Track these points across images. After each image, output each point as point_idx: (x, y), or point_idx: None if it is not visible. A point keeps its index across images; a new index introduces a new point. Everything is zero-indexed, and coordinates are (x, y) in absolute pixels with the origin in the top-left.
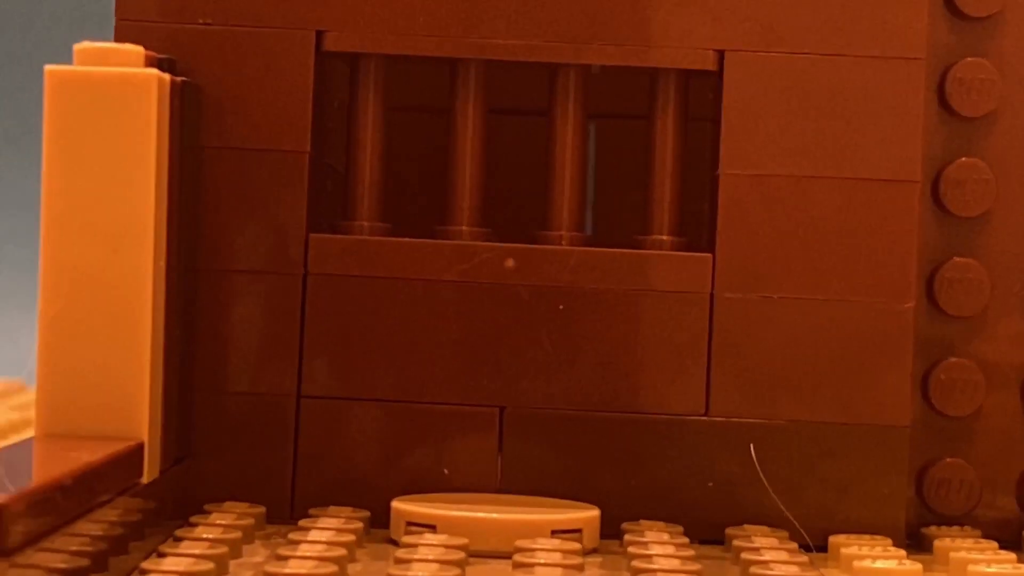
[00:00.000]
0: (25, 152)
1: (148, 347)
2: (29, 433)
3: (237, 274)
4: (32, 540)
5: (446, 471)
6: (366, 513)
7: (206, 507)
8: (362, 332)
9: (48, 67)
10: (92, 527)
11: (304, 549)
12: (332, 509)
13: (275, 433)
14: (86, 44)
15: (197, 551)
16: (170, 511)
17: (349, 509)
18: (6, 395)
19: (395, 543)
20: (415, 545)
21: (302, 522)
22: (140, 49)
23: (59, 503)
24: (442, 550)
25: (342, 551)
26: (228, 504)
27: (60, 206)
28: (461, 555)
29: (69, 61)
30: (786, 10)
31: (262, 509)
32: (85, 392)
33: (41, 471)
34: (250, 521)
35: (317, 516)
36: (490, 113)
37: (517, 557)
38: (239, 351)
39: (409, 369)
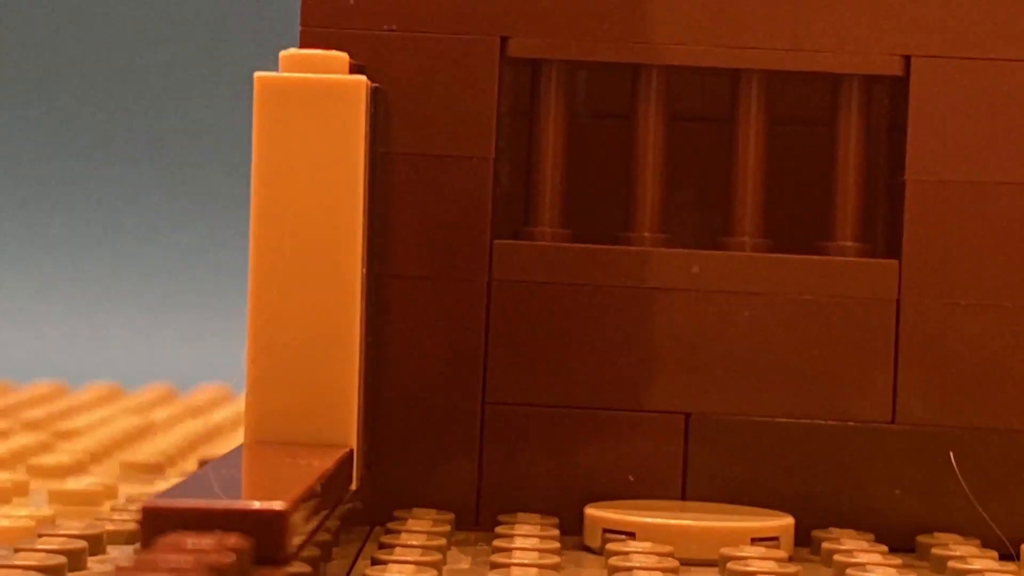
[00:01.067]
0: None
1: (357, 354)
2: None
3: (421, 280)
4: (299, 548)
5: (631, 478)
6: (555, 519)
7: (397, 513)
8: (547, 338)
9: (257, 73)
10: (321, 535)
11: (518, 556)
12: (521, 516)
13: (459, 439)
14: (292, 51)
15: (411, 558)
16: (360, 517)
17: (538, 516)
18: (216, 402)
19: (589, 550)
20: (625, 552)
21: (498, 528)
22: (345, 56)
23: (314, 511)
24: (655, 558)
25: (555, 559)
26: (417, 510)
27: (269, 212)
28: (675, 563)
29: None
30: (973, 15)
31: (451, 516)
32: (295, 399)
33: (293, 478)
34: (447, 528)
35: (511, 523)
36: (672, 120)
37: (731, 565)
38: (423, 357)
39: (593, 375)
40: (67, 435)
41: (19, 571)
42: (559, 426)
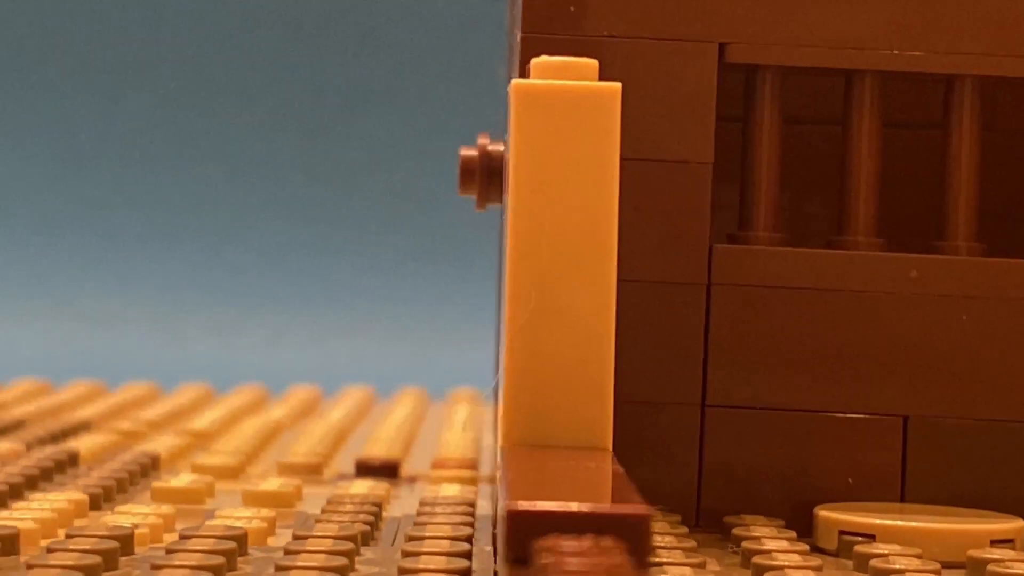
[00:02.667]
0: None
1: (612, 357)
2: None
3: (642, 284)
4: None
5: (850, 480)
6: (780, 521)
7: None
8: (765, 342)
9: (515, 81)
10: None
11: (780, 559)
12: (747, 517)
13: (680, 442)
14: (544, 58)
15: (674, 559)
16: None
17: (763, 517)
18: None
19: (821, 551)
20: (882, 555)
21: (736, 531)
22: (595, 62)
23: None
24: (917, 561)
25: (817, 561)
26: None
27: (528, 217)
28: (936, 566)
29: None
30: None
31: (677, 517)
32: (552, 402)
33: (613, 481)
34: (684, 529)
35: (743, 524)
36: (885, 127)
37: (992, 568)
38: (644, 360)
39: (811, 378)
40: (210, 436)
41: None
42: (778, 428)
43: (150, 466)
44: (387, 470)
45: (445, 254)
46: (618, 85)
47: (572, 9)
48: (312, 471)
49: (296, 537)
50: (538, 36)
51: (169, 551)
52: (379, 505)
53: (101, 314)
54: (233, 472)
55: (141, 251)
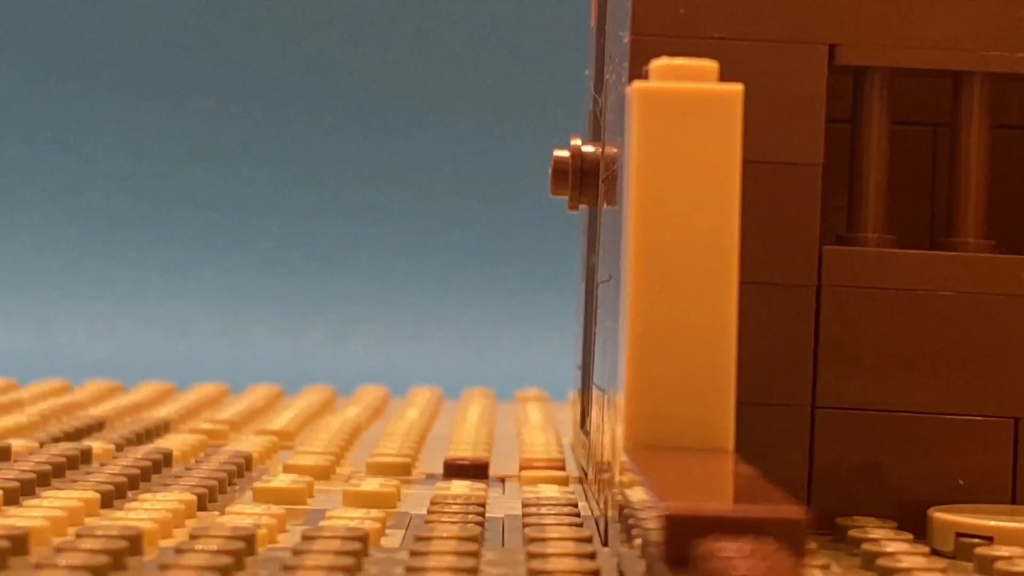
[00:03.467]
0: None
1: (734, 359)
2: None
3: (751, 286)
4: None
5: (961, 482)
6: (892, 523)
7: None
8: (875, 343)
9: (636, 84)
10: None
11: (904, 561)
12: (859, 519)
13: (789, 443)
14: (664, 60)
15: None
16: None
17: (875, 519)
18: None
19: (937, 553)
20: (1007, 557)
21: (852, 533)
22: (715, 64)
23: None
24: None
25: (942, 563)
26: None
27: (650, 221)
28: None
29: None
30: None
31: None
32: (676, 404)
33: (758, 483)
34: None
35: (857, 527)
36: (993, 127)
37: None
38: (754, 362)
39: (921, 380)
40: (289, 436)
41: None
42: (887, 430)
43: (244, 466)
44: (476, 470)
45: (509, 255)
46: (740, 87)
47: (682, 11)
48: (402, 471)
49: (419, 539)
50: (647, 38)
51: (296, 551)
52: (483, 506)
53: (166, 315)
54: (325, 472)
55: (205, 252)
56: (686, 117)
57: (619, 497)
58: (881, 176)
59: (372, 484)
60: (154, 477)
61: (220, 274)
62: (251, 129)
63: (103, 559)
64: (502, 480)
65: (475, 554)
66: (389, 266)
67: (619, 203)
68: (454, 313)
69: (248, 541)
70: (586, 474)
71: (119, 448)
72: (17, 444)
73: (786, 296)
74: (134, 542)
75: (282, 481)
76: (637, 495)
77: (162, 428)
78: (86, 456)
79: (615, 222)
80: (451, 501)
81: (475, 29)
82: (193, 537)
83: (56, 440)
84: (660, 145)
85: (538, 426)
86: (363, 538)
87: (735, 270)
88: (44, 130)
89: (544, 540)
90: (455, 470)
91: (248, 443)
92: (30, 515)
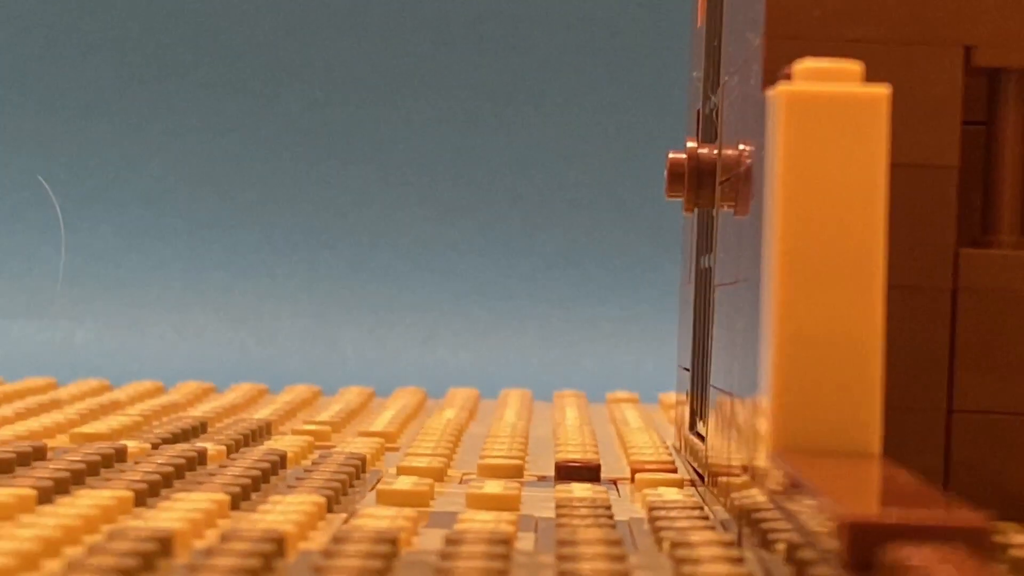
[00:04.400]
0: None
1: (881, 363)
2: None
3: (888, 289)
4: None
5: None
6: None
7: None
8: (1011, 346)
9: (781, 86)
10: None
11: None
12: (999, 524)
13: (926, 447)
14: (808, 62)
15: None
16: None
17: (1015, 524)
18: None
19: None
20: None
21: (996, 538)
22: (859, 66)
23: None
24: None
25: None
26: None
27: (796, 224)
28: None
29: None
30: None
31: None
32: (822, 407)
33: (934, 492)
34: None
35: (1002, 532)
36: None
37: None
38: (889, 366)
39: None
40: (390, 437)
41: None
42: None
43: (360, 468)
44: (588, 473)
45: (595, 257)
46: (887, 89)
47: (816, 13)
48: (514, 473)
49: (562, 543)
50: (781, 40)
51: (444, 556)
52: (609, 509)
53: (254, 317)
54: (439, 474)
55: (293, 252)
56: (833, 120)
57: (756, 500)
58: (1017, 178)
59: (495, 487)
60: (272, 479)
61: (308, 276)
62: (338, 131)
63: (254, 562)
64: (614, 483)
65: (623, 558)
66: (476, 268)
67: (756, 205)
68: (539, 315)
69: (392, 544)
70: (700, 477)
71: (231, 450)
72: (132, 446)
73: (922, 299)
74: (279, 544)
75: (405, 484)
76: (799, 500)
77: (264, 430)
78: (202, 458)
79: (744, 224)
80: (577, 504)
81: (562, 31)
82: (337, 540)
83: (166, 442)
84: (807, 148)
85: (639, 428)
86: (507, 541)
87: (882, 273)
88: (132, 133)
89: (689, 545)
90: (567, 472)
91: (356, 445)
92: (168, 517)
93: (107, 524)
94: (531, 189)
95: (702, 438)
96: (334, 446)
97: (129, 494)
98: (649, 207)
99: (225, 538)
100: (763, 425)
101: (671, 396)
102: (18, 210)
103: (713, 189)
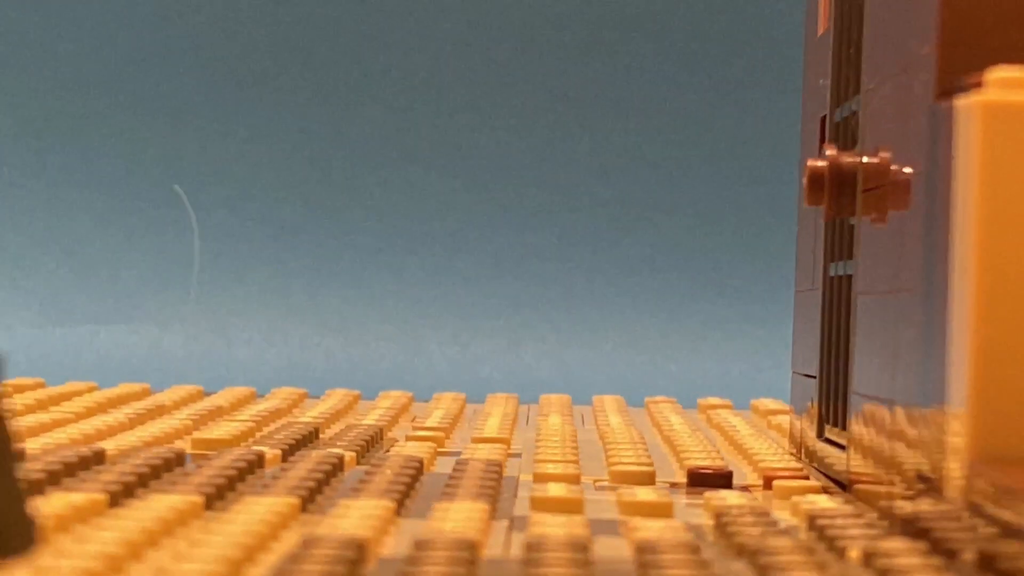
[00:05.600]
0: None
1: None
2: None
3: None
4: None
5: None
6: None
7: None
8: None
9: (973, 96)
10: None
11: None
12: None
13: None
14: (1001, 71)
15: None
16: None
17: None
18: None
19: None
20: None
21: None
22: None
23: None
24: None
25: None
26: None
27: (994, 232)
28: None
29: None
30: None
31: None
32: (1021, 416)
33: None
34: None
35: None
36: None
37: None
38: None
39: None
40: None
41: None
42: None
43: (500, 474)
44: (721, 479)
45: (678, 261)
46: None
47: (990, 19)
48: (647, 479)
49: (751, 551)
50: (955, 48)
51: (641, 564)
52: (769, 516)
53: (339, 322)
54: (575, 480)
55: (377, 258)
56: None
57: (939, 508)
58: None
59: (647, 494)
60: (416, 485)
61: (393, 282)
62: (421, 137)
63: (460, 570)
64: (746, 489)
65: (824, 567)
66: (560, 273)
67: (923, 216)
68: (624, 322)
69: (583, 551)
70: (838, 484)
71: (360, 455)
72: (269, 453)
73: None
74: (472, 550)
75: (559, 491)
76: (1016, 508)
77: (377, 434)
78: (340, 464)
79: (906, 234)
80: (736, 512)
81: (645, 35)
82: (531, 548)
83: (293, 448)
84: (1006, 159)
85: (750, 434)
86: (695, 549)
87: None
88: (218, 138)
89: (887, 554)
90: (699, 479)
91: (484, 452)
92: (348, 525)
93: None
94: (614, 194)
95: (837, 445)
96: (459, 452)
97: (392, 503)
98: (732, 212)
99: (419, 546)
100: (955, 434)
101: (766, 403)
102: (106, 216)
103: (854, 197)
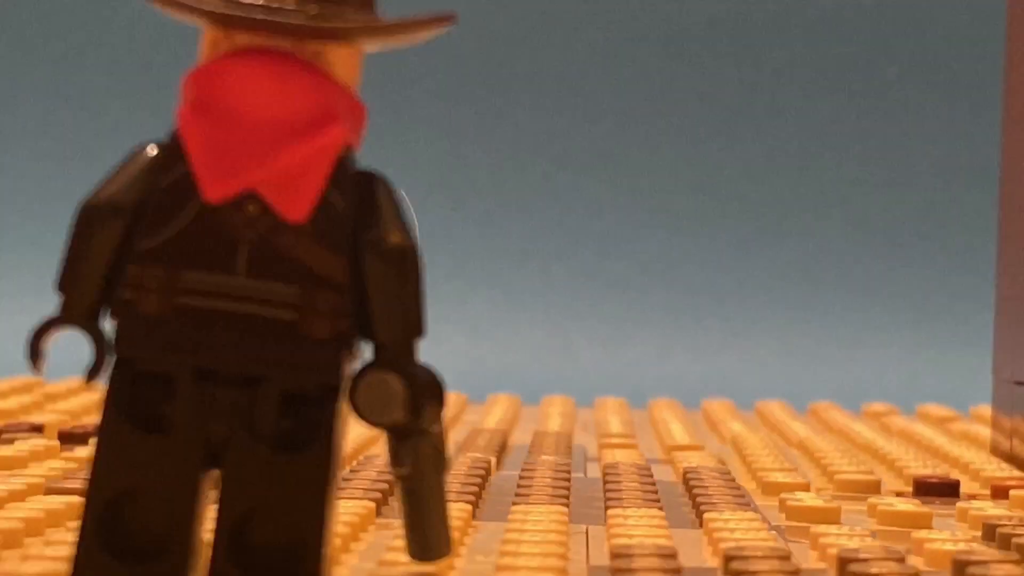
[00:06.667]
0: None
1: None
2: None
3: None
4: None
5: None
6: None
7: None
8: None
9: None
10: None
11: None
12: None
13: None
14: None
15: None
16: None
17: None
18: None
19: None
20: None
21: None
22: None
23: None
24: None
25: None
26: None
27: None
28: None
29: None
30: None
31: None
32: None
33: None
34: None
35: None
36: None
37: None
38: None
39: None
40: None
41: None
42: None
43: (735, 482)
44: (948, 489)
45: (830, 268)
46: None
47: None
48: (873, 489)
49: None
50: None
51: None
52: None
53: (489, 327)
54: (805, 487)
55: (527, 262)
56: None
57: None
58: None
59: (906, 504)
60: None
61: (542, 286)
62: (570, 141)
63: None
64: (969, 499)
65: None
66: (710, 278)
67: None
68: (777, 326)
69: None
70: None
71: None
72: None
73: None
74: (786, 558)
75: (814, 500)
76: None
77: (564, 442)
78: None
79: None
80: (1006, 523)
81: (794, 37)
82: (738, 556)
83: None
84: None
85: (945, 441)
86: (986, 562)
87: None
88: (369, 142)
89: None
90: (926, 488)
91: (695, 459)
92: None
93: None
94: (765, 198)
95: None
96: (657, 460)
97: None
98: (883, 216)
99: (731, 557)
100: None
101: (932, 408)
102: None
103: None
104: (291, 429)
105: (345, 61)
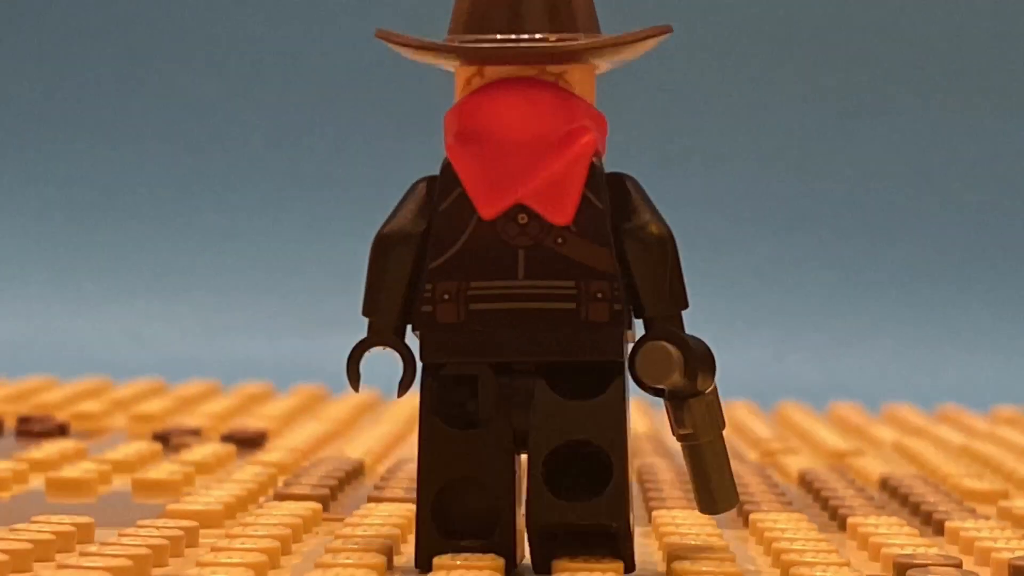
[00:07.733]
0: None
1: None
2: None
3: None
4: None
5: None
6: None
7: None
8: None
9: None
10: None
11: None
12: None
13: None
14: None
15: None
16: None
17: None
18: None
19: None
20: None
21: None
22: None
23: None
24: None
25: None
26: None
27: None
28: None
29: None
30: None
31: None
32: None
33: None
34: None
35: None
36: None
37: None
38: None
39: None
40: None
41: None
42: None
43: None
44: None
45: (944, 270)
46: None
47: None
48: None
49: None
50: None
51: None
52: None
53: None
54: (1002, 496)
55: None
56: None
57: None
58: None
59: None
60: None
61: None
62: (676, 141)
63: None
64: None
65: None
66: (822, 281)
67: None
68: (892, 328)
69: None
70: None
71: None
72: None
73: None
74: None
75: None
76: None
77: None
78: None
79: None
80: None
81: (905, 38)
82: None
83: None
84: None
85: None
86: None
87: None
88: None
89: None
90: None
91: (802, 460)
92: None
93: None
94: (875, 201)
95: None
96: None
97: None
98: (995, 217)
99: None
100: None
101: None
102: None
103: None
104: (586, 383)
105: (583, 79)
